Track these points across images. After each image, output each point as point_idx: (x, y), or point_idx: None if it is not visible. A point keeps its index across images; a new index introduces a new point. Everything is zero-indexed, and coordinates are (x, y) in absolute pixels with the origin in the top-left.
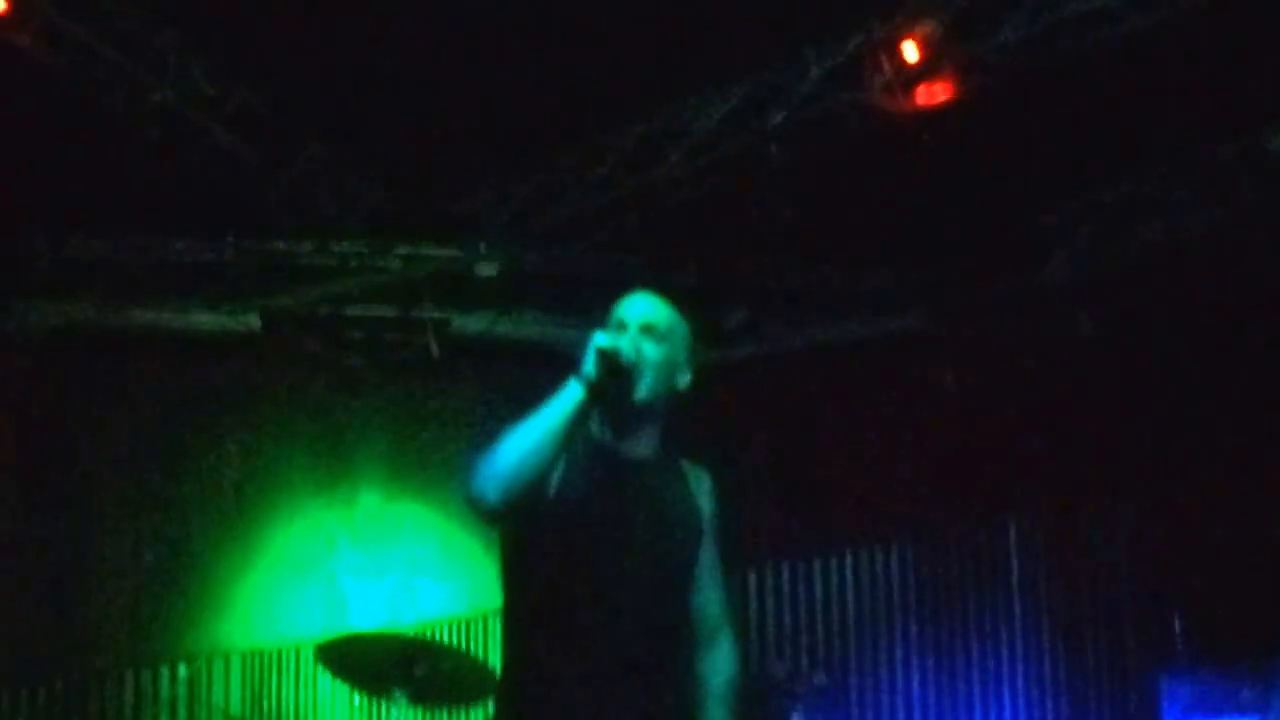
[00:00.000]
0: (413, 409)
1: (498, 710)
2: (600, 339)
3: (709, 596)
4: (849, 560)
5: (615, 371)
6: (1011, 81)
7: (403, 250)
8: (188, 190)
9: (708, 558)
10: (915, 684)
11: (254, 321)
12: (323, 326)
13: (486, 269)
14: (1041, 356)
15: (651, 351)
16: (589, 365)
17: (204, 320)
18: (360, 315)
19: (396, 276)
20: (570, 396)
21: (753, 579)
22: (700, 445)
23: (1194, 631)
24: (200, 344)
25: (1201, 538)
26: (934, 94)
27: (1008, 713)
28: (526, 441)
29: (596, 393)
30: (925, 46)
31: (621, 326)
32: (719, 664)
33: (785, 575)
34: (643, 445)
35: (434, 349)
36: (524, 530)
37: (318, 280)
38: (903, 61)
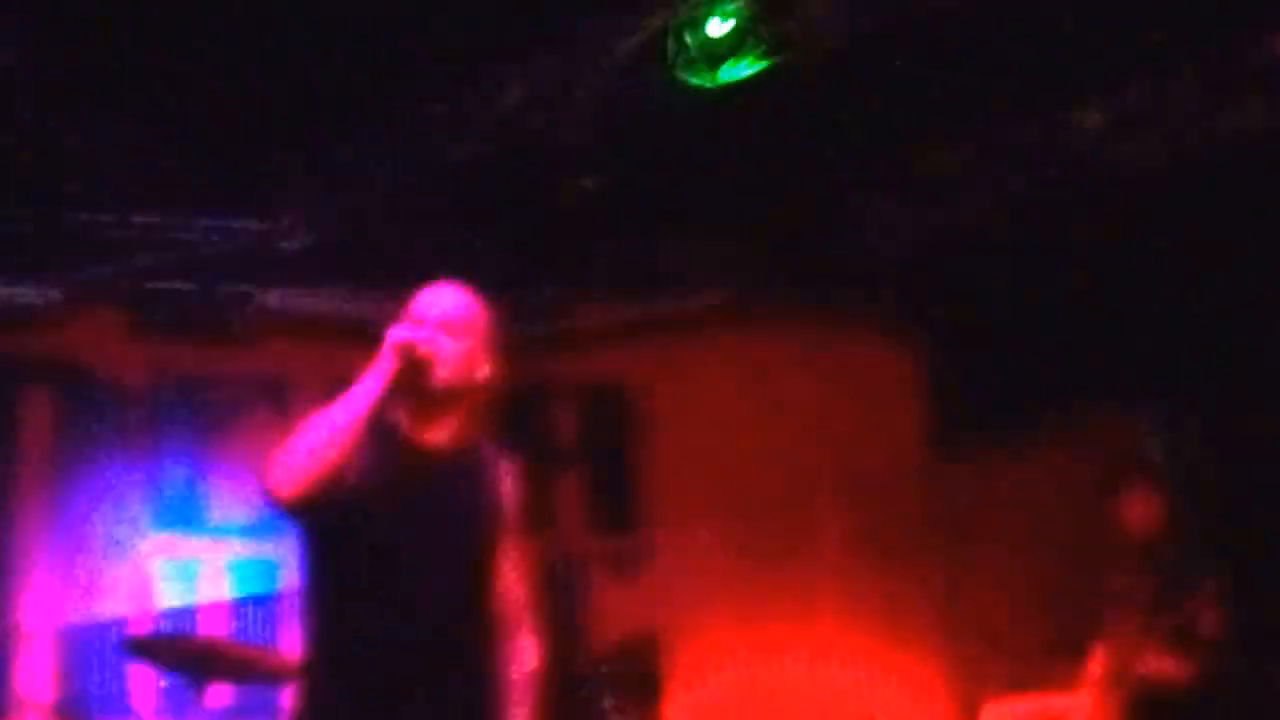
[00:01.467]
0: (217, 384)
1: (301, 699)
2: (396, 334)
3: (512, 585)
4: (661, 537)
5: (411, 365)
6: (821, 57)
7: (205, 223)
8: None
9: (511, 547)
10: (731, 662)
11: (55, 294)
12: (125, 300)
13: (290, 243)
14: (852, 330)
15: (448, 344)
16: (384, 360)
17: (5, 293)
18: (162, 289)
19: (199, 250)
20: (365, 389)
21: (563, 563)
22: (508, 432)
23: (1008, 605)
24: (1, 316)
25: (1014, 511)
26: (739, 69)
27: (827, 688)
28: (322, 434)
29: (392, 386)
30: (730, 21)
31: (420, 321)
32: (522, 654)
33: (596, 553)
34: (444, 435)
35: (236, 324)
36: (324, 520)
37: (120, 253)
38: (708, 36)
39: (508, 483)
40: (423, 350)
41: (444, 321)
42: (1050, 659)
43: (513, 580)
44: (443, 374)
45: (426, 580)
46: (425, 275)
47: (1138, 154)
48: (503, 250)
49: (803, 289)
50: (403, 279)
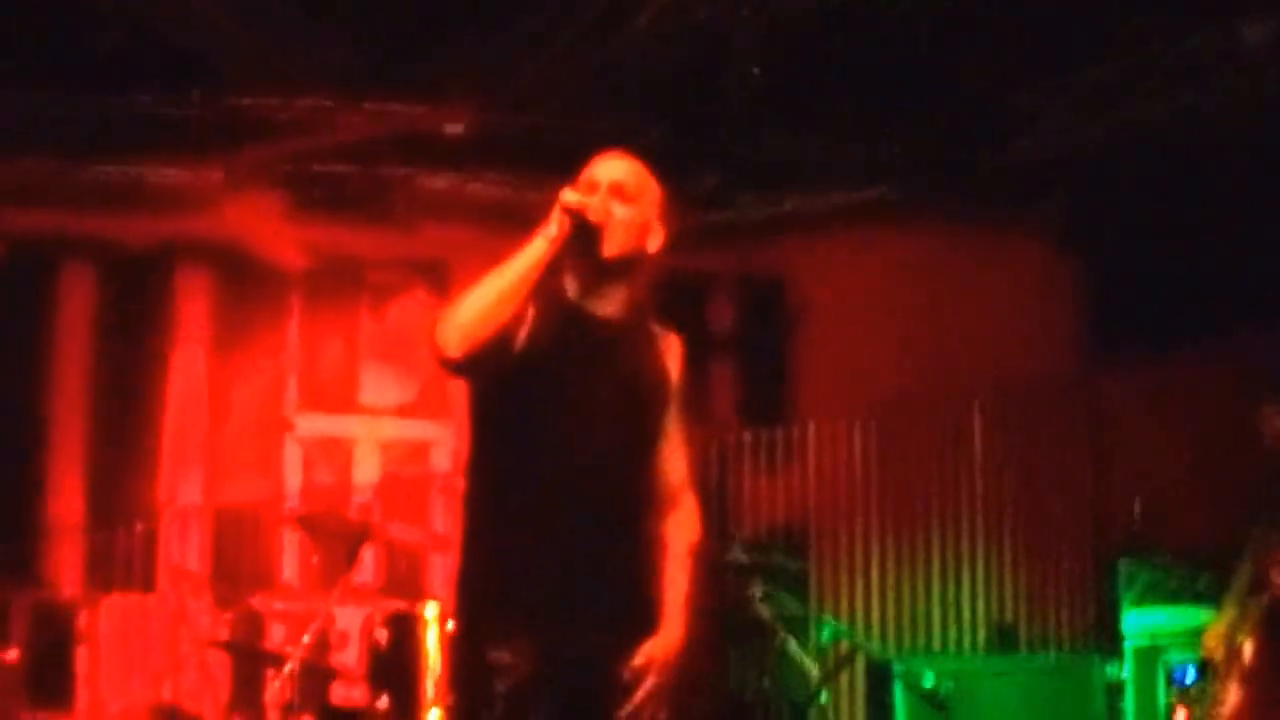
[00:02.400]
0: (375, 266)
1: (464, 566)
2: (568, 195)
3: (673, 460)
4: (812, 431)
5: (581, 228)
6: None
7: (369, 107)
8: (153, 45)
9: (673, 422)
10: (875, 559)
11: (215, 175)
12: (285, 181)
13: (453, 127)
14: (1010, 235)
15: (620, 211)
16: (555, 221)
17: (167, 174)
18: (323, 170)
19: (362, 134)
20: (534, 250)
21: (714, 451)
22: (668, 309)
23: (1154, 517)
24: (163, 198)
25: (1165, 422)
26: None
27: (967, 591)
28: (489, 294)
29: (562, 248)
30: None
31: (592, 185)
32: (682, 527)
33: (748, 443)
34: (612, 305)
35: (395, 207)
36: (491, 386)
37: (282, 136)
38: None
39: (672, 357)
40: (594, 214)
41: (616, 187)
42: (1196, 568)
43: (675, 453)
44: (613, 240)
45: (591, 447)
46: (584, 162)
47: None
48: (663, 139)
49: (963, 190)
50: (562, 165)
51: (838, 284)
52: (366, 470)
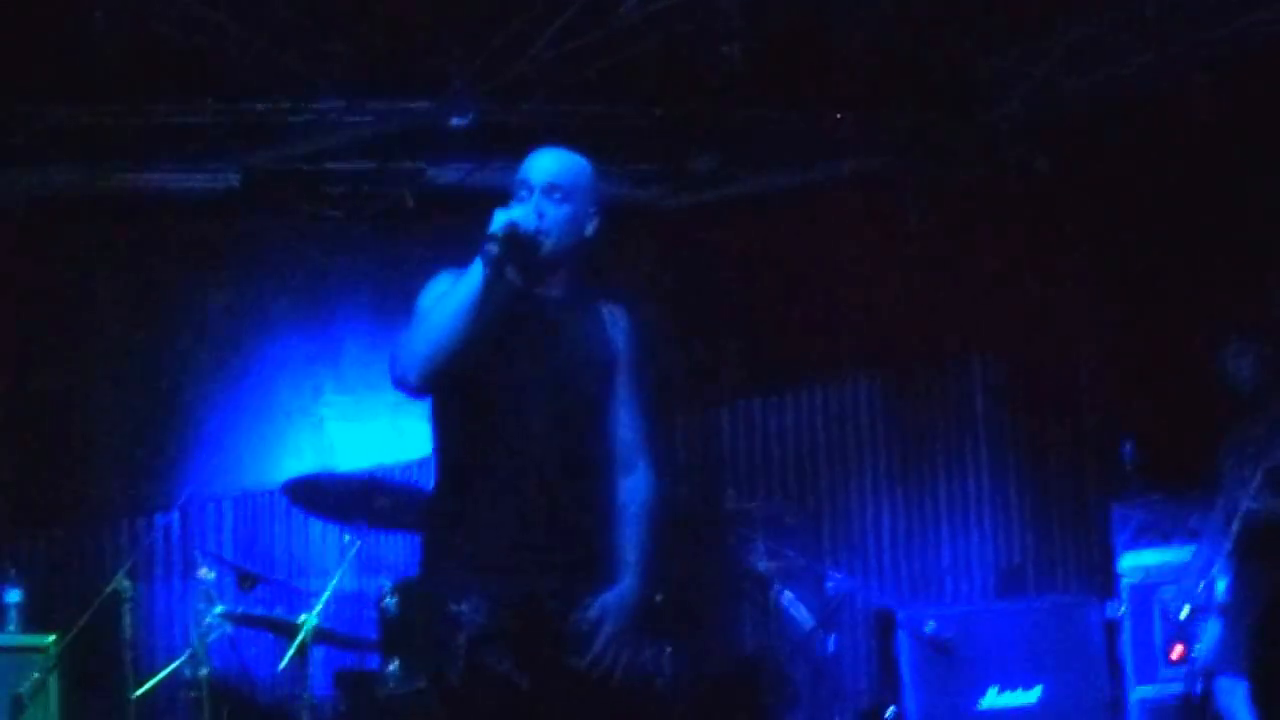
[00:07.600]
0: (393, 259)
1: (427, 524)
2: (497, 220)
3: (625, 426)
4: (819, 395)
5: (515, 242)
6: None
7: (377, 106)
8: (162, 54)
9: (623, 390)
10: (885, 515)
11: (234, 180)
12: (302, 181)
13: (459, 120)
14: (1001, 196)
15: (553, 212)
16: (491, 245)
17: (186, 180)
18: (338, 170)
19: (372, 131)
20: (476, 276)
21: (725, 414)
22: (672, 296)
23: (1145, 461)
24: (183, 203)
25: (1155, 371)
26: None
27: (974, 542)
28: (443, 324)
29: (501, 266)
30: None
31: (526, 189)
32: (635, 489)
33: (756, 410)
34: (555, 286)
35: (409, 200)
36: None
37: (296, 138)
38: None
39: (620, 329)
40: (524, 225)
41: (549, 188)
42: (1186, 508)
43: (625, 419)
44: (549, 239)
45: (542, 414)
46: (585, 147)
47: (1263, 24)
48: (658, 120)
49: (950, 154)
50: (566, 148)
51: (839, 251)
52: (392, 453)
